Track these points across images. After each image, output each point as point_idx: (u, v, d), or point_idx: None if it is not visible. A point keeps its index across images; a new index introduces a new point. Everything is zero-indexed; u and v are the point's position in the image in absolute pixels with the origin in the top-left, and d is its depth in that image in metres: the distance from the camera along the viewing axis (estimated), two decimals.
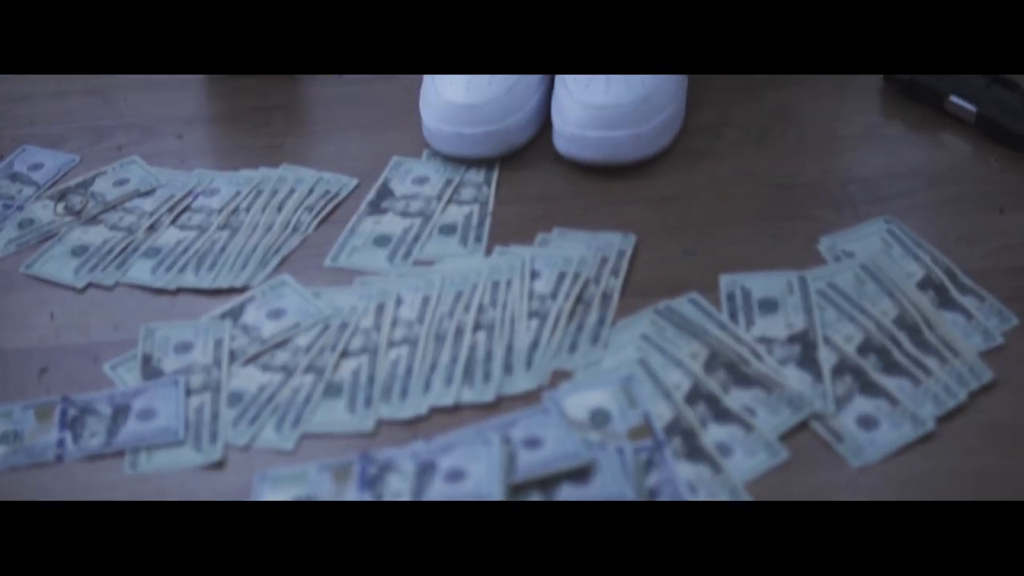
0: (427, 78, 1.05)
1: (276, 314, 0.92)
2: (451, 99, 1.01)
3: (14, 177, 1.07)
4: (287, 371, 0.87)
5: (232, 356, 0.89)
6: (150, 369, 0.89)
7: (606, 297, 0.91)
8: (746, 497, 0.77)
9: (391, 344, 0.89)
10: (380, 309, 0.91)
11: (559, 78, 1.03)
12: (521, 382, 0.85)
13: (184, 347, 0.90)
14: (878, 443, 0.80)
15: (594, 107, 0.99)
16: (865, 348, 0.86)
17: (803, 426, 0.82)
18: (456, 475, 0.79)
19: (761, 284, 0.91)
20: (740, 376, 0.84)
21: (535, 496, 0.77)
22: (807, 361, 0.85)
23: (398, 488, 0.78)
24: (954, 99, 1.06)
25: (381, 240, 0.97)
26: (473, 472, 0.79)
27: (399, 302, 0.92)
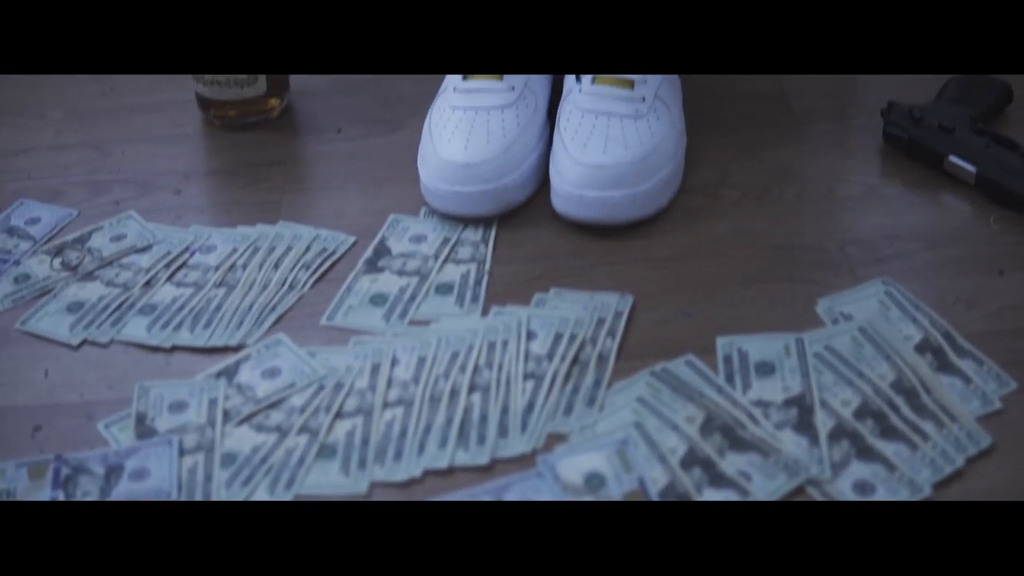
0: (425, 134, 1.06)
1: (271, 373, 0.92)
2: (448, 157, 1.02)
3: (11, 231, 1.08)
4: (281, 432, 0.88)
5: (226, 416, 0.89)
6: (144, 428, 0.89)
7: (602, 359, 0.91)
8: None
9: (386, 405, 0.89)
10: (375, 369, 0.92)
11: (557, 137, 1.04)
12: (516, 445, 0.86)
13: (178, 406, 0.90)
14: None
15: (592, 167, 1.00)
16: (862, 412, 0.86)
17: (799, 491, 0.82)
18: None
19: (758, 346, 0.91)
20: (736, 440, 0.85)
21: None
22: (803, 425, 0.86)
23: None
24: (953, 159, 1.06)
25: (377, 299, 0.98)
26: None
27: (395, 362, 0.92)
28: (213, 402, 0.90)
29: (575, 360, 0.91)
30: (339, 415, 0.89)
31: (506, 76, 1.06)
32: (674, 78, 1.09)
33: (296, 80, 1.22)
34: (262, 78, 1.16)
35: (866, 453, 0.84)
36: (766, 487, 0.82)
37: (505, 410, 0.88)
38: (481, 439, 0.86)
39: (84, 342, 0.97)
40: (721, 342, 0.92)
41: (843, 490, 0.81)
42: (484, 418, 0.87)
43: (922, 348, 0.91)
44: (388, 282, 0.99)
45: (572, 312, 0.95)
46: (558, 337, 0.93)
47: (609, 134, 1.01)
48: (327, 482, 0.84)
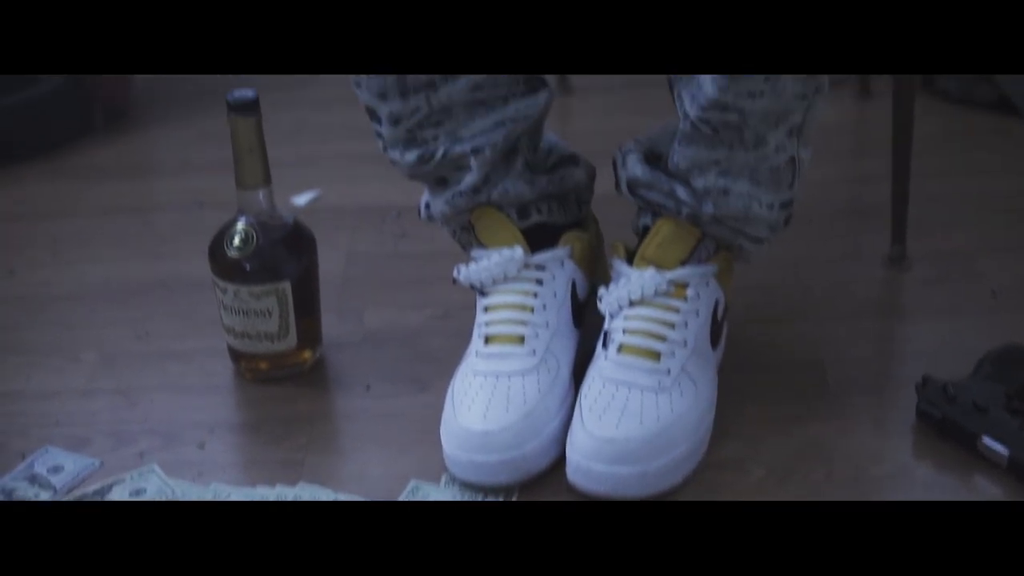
0: (447, 401, 1.10)
1: None
2: (468, 425, 1.05)
3: (33, 479, 1.12)
4: None
5: None
6: None
7: None
8: None
9: None
10: None
11: (578, 404, 1.06)
12: None
13: None
14: None
15: (602, 439, 1.02)
16: None
17: None
18: None
19: None
20: None
21: None
22: None
23: None
24: (986, 440, 1.07)
25: None
26: None
27: None
28: None
29: None
30: None
31: (527, 340, 1.09)
32: (705, 350, 1.11)
33: (329, 333, 1.26)
34: (292, 332, 1.20)
35: None
36: None
37: None
38: None
39: None
40: None
41: None
42: None
43: None
44: None
45: None
46: None
47: (627, 407, 1.03)
48: None
